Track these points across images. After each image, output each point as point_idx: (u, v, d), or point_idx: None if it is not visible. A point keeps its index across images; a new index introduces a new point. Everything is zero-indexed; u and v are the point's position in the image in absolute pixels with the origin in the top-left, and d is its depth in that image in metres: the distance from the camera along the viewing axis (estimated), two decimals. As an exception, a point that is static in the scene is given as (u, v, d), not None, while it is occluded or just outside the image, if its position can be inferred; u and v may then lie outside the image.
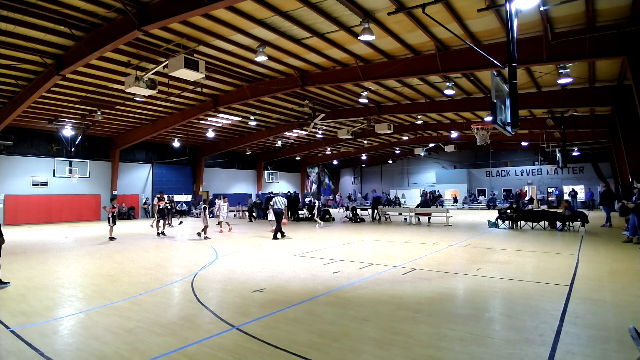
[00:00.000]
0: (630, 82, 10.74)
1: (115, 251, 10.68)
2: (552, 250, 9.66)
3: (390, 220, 20.20)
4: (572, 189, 29.62)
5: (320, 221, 18.80)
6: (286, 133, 25.65)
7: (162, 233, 14.61)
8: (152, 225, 16.37)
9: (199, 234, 13.46)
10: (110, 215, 13.34)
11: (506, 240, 12.08)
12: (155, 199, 15.66)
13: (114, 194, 23.53)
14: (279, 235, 13.03)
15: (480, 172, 37.38)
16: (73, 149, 21.56)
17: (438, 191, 36.53)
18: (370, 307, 5.13)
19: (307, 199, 25.63)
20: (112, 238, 13.15)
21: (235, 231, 15.80)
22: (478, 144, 18.69)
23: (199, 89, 16.34)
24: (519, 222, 15.43)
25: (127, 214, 24.77)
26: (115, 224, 13.40)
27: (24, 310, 5.20)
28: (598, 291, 5.89)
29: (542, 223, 15.29)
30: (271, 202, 13.87)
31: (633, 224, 10.53)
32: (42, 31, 10.45)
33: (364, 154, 37.47)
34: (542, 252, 9.49)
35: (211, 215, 16.36)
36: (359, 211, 21.33)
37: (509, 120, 6.51)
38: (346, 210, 21.16)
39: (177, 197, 28.53)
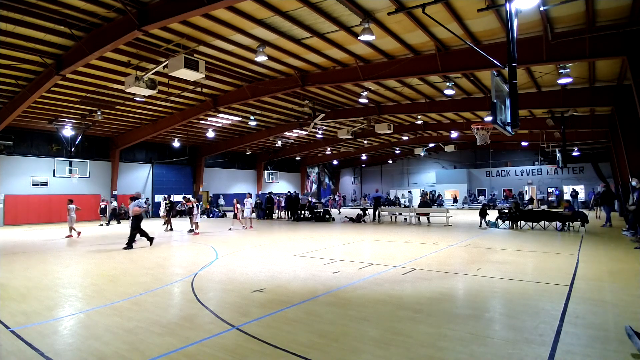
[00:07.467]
0: (630, 82, 10.73)
1: (115, 251, 10.67)
2: (552, 250, 9.66)
3: (395, 221, 20.16)
4: (573, 189, 29.60)
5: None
6: (286, 133, 25.64)
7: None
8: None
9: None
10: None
11: (506, 240, 12.07)
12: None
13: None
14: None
15: (480, 172, 37.37)
16: (73, 149, 21.54)
17: (437, 192, 36.48)
18: (370, 307, 5.13)
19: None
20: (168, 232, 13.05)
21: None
22: (478, 144, 18.69)
23: (199, 89, 16.33)
24: (519, 222, 15.43)
25: (127, 214, 24.74)
26: (169, 222, 13.26)
27: (24, 310, 5.20)
28: (598, 291, 5.88)
29: (541, 223, 15.27)
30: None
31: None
32: (42, 31, 10.45)
33: (364, 154, 37.44)
34: (542, 252, 9.48)
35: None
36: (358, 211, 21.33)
37: (509, 120, 6.51)
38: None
39: (177, 197, 28.57)
